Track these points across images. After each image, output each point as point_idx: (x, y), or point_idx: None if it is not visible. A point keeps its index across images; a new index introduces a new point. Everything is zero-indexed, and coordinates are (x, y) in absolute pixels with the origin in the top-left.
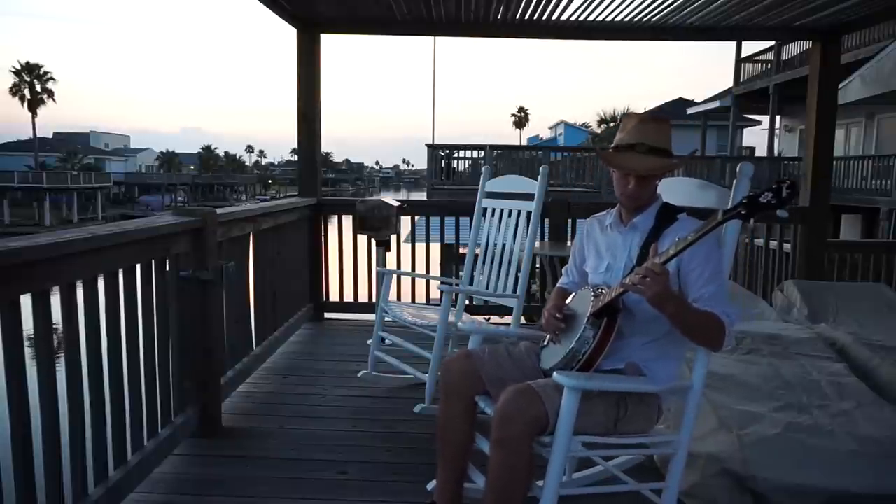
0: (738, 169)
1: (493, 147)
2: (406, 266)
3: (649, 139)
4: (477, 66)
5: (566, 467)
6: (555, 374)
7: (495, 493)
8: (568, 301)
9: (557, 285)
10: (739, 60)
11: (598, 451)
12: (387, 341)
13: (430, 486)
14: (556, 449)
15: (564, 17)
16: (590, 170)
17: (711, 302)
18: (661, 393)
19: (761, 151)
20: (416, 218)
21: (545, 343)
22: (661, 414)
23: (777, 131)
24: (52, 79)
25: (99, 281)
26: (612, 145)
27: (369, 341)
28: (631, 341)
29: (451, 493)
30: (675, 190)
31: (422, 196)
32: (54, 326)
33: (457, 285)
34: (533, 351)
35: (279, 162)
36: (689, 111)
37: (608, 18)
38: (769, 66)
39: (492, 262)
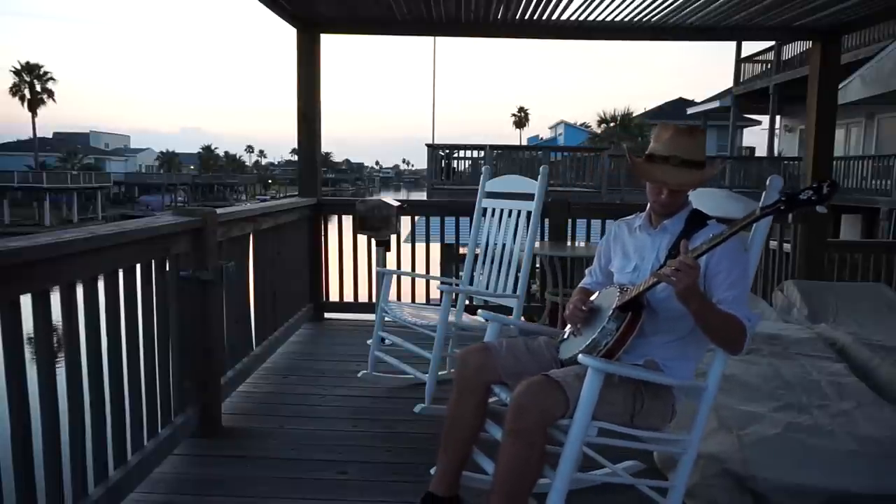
0: (768, 182)
1: (493, 147)
2: (406, 266)
3: (683, 152)
4: (477, 66)
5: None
6: (580, 355)
7: (505, 482)
8: (592, 297)
9: (580, 285)
10: (739, 60)
11: (611, 438)
12: (387, 341)
13: (433, 470)
14: (574, 429)
15: (564, 17)
16: (590, 170)
17: (734, 305)
18: (678, 389)
19: (761, 151)
20: (416, 218)
21: (565, 336)
22: (674, 414)
23: (777, 131)
24: (52, 79)
25: (99, 281)
26: (646, 153)
27: (369, 341)
28: (652, 339)
29: (449, 483)
30: (704, 200)
31: (422, 196)
32: (54, 327)
33: (457, 285)
34: (551, 345)
35: (279, 162)
36: (689, 111)
37: (608, 18)
38: (769, 66)
39: (492, 262)
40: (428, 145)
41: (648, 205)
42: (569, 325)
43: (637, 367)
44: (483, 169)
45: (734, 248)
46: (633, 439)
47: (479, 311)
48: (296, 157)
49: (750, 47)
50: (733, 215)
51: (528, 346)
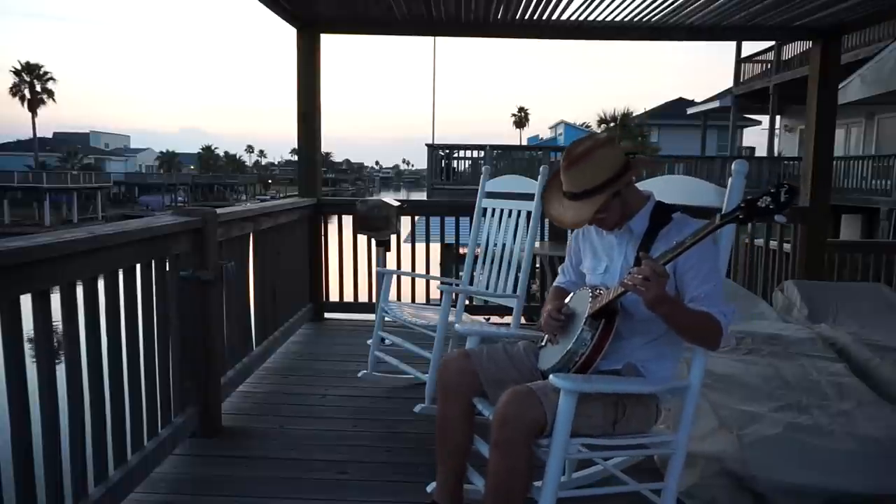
0: (732, 167)
1: (493, 147)
2: (406, 266)
3: (570, 185)
4: (477, 66)
5: (565, 467)
6: (551, 376)
7: (495, 495)
8: (566, 301)
9: (554, 284)
10: (739, 60)
11: (597, 452)
12: (387, 341)
13: (430, 487)
14: (553, 451)
15: (564, 17)
16: None
17: (707, 301)
18: (660, 393)
19: (761, 151)
20: (416, 218)
21: (543, 343)
22: (660, 414)
23: (777, 131)
24: (52, 79)
25: (99, 281)
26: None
27: (369, 341)
28: (629, 341)
29: (451, 493)
30: (670, 188)
31: (422, 196)
32: (54, 326)
33: (457, 285)
34: (531, 351)
35: (279, 162)
36: (689, 111)
37: (608, 18)
38: (769, 66)
39: (492, 262)
40: (428, 145)
41: None
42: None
43: (613, 377)
44: (483, 169)
45: (702, 243)
46: (619, 447)
47: (456, 325)
48: (296, 157)
49: (750, 47)
50: (701, 203)
51: (508, 353)
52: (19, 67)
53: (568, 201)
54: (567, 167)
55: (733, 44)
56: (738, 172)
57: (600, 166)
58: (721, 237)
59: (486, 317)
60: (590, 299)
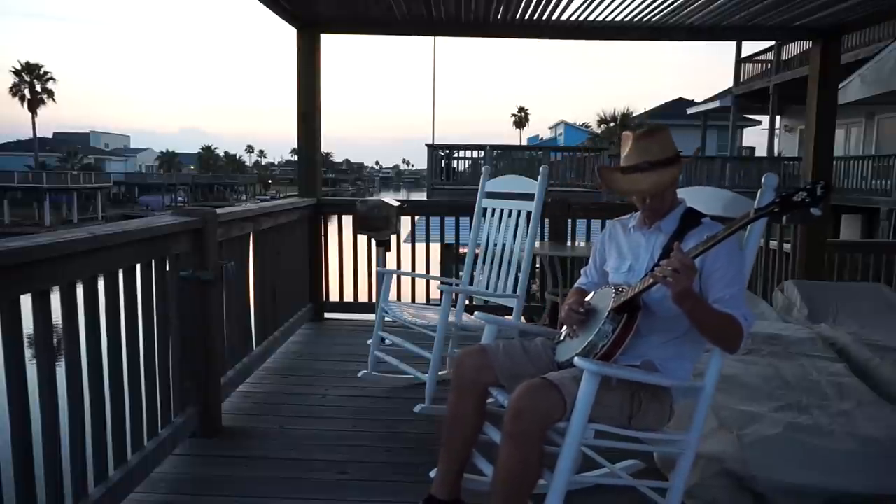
0: (763, 181)
1: (493, 147)
2: (406, 266)
3: (649, 154)
4: (477, 66)
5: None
6: (576, 358)
7: (505, 486)
8: (588, 298)
9: (575, 285)
10: (739, 60)
11: (609, 440)
12: (387, 341)
13: (433, 473)
14: (570, 432)
15: (564, 17)
16: (590, 170)
17: (731, 304)
18: (675, 390)
19: (761, 151)
20: (416, 218)
21: (561, 338)
22: (672, 414)
23: (777, 131)
24: (52, 79)
25: (99, 281)
26: (619, 167)
27: (369, 341)
28: (649, 339)
29: (451, 486)
30: (699, 197)
31: (422, 196)
32: (54, 326)
33: (457, 285)
34: (548, 346)
35: (279, 162)
36: (689, 111)
37: (608, 18)
38: (769, 66)
39: (492, 262)
40: (428, 145)
41: None
42: (565, 327)
43: (633, 369)
44: (483, 169)
45: (730, 246)
46: (631, 440)
47: (476, 312)
48: (296, 157)
49: (750, 47)
50: (727, 214)
51: (525, 348)
52: (19, 67)
53: (639, 174)
54: (639, 138)
55: (733, 44)
56: (769, 186)
57: (668, 143)
58: (747, 243)
59: None
60: (613, 295)
